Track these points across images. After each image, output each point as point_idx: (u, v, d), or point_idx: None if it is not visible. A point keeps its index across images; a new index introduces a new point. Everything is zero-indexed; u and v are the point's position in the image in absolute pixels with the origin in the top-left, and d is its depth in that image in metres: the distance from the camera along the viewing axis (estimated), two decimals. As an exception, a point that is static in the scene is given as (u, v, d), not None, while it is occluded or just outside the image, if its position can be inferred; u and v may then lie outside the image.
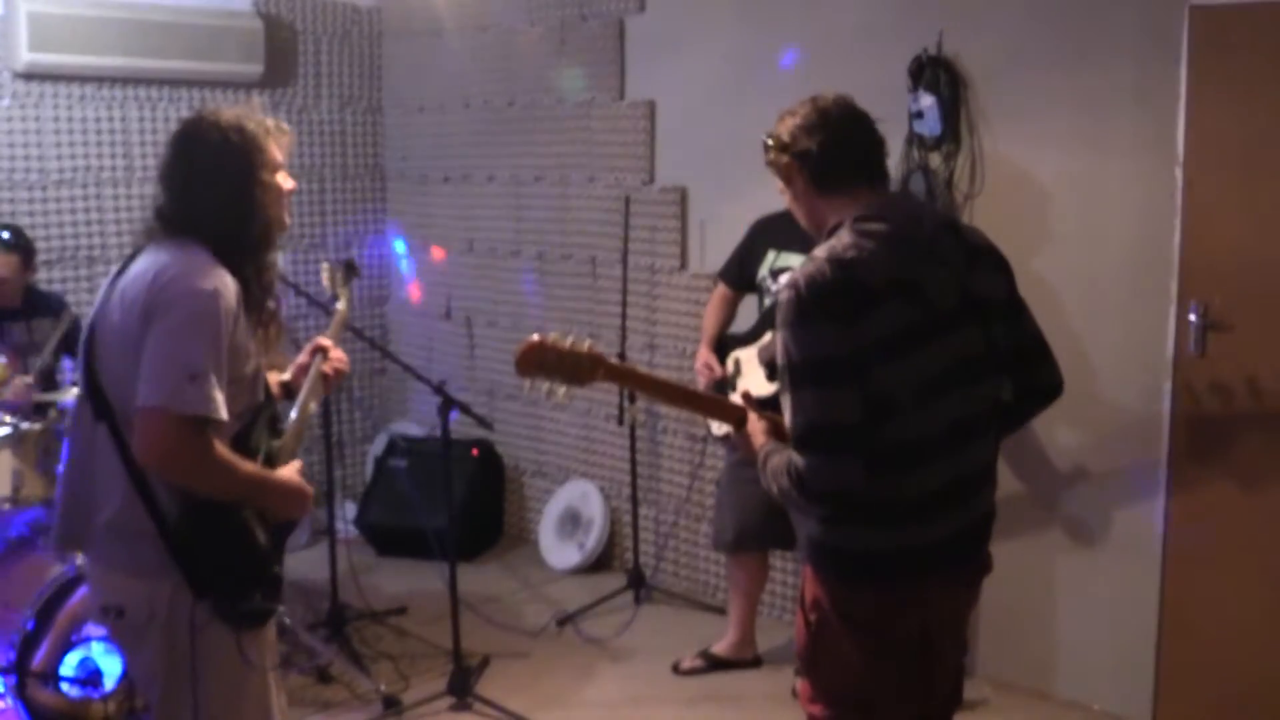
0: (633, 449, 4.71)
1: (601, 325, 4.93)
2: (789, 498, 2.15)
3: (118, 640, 2.39)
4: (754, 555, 4.05)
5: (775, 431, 2.29)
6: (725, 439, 4.02)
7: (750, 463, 3.85)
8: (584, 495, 5.11)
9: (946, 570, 2.27)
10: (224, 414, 2.16)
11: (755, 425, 2.33)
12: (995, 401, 2.29)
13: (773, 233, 3.86)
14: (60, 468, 2.40)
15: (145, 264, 2.25)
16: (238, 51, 5.17)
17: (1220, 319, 3.41)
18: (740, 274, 3.96)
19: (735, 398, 3.81)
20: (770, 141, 2.32)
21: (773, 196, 3.94)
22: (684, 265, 4.70)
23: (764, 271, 3.86)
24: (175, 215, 2.27)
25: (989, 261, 2.28)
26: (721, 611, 4.40)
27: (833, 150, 2.25)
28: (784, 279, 3.70)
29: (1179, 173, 3.44)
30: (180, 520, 2.21)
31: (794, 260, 3.77)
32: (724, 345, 3.95)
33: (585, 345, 2.32)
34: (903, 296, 2.11)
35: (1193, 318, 3.43)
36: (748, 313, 4.01)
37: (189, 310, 2.15)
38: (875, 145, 2.31)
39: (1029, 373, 2.36)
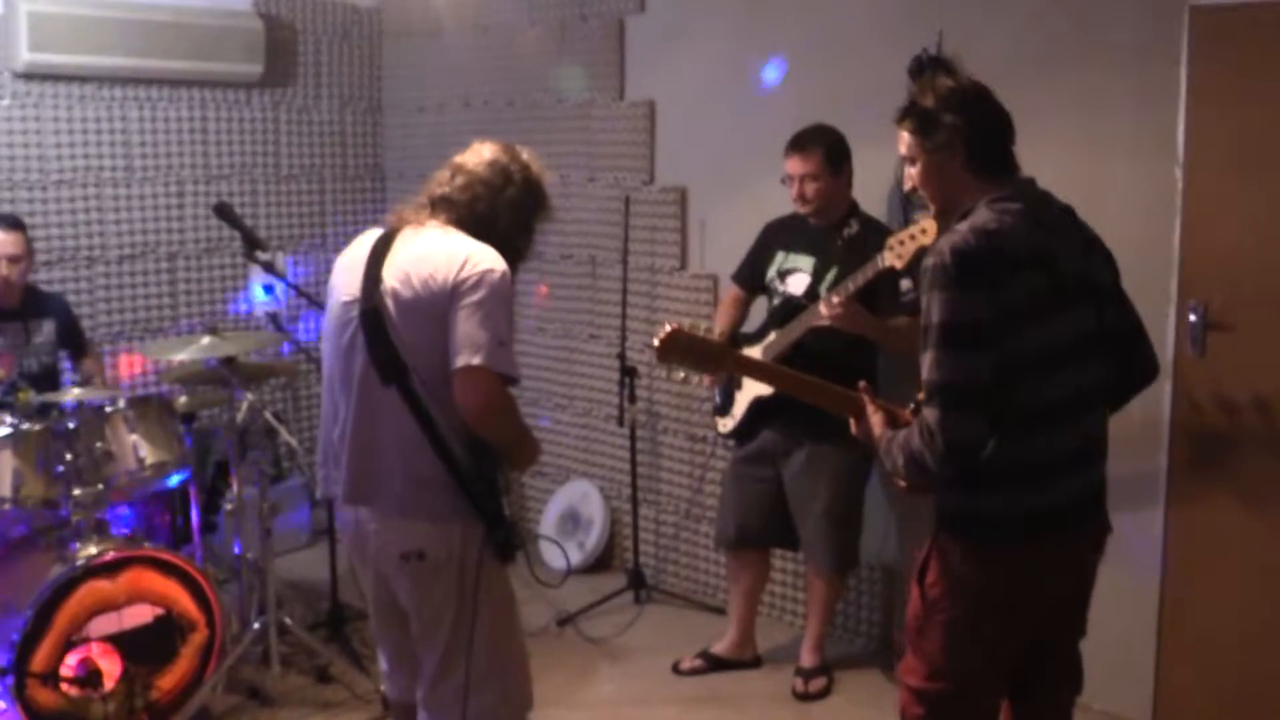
0: (633, 449, 4.71)
1: (601, 325, 4.94)
2: (918, 461, 2.21)
3: (415, 580, 2.66)
4: (755, 554, 4.05)
5: (891, 422, 2.40)
6: (729, 438, 4.02)
7: (752, 461, 3.90)
8: (584, 495, 5.11)
9: (1073, 530, 2.39)
10: (519, 374, 2.62)
11: (874, 416, 2.42)
12: (1106, 378, 2.42)
13: (782, 235, 3.88)
14: (337, 434, 2.70)
15: (434, 244, 2.60)
16: (238, 51, 5.17)
17: (1220, 319, 3.41)
18: (752, 276, 3.97)
19: (740, 395, 3.85)
20: (938, 103, 2.33)
21: (772, 197, 3.97)
22: (684, 265, 4.70)
23: (773, 272, 3.86)
24: (474, 221, 2.66)
25: (1099, 250, 2.44)
26: (722, 611, 4.40)
27: (992, 133, 2.35)
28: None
29: (1179, 173, 3.44)
30: (470, 467, 2.58)
31: (802, 261, 3.77)
32: (734, 345, 3.95)
33: (717, 333, 2.44)
34: (1039, 267, 2.23)
35: (1193, 318, 3.43)
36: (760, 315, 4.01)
37: (493, 288, 2.54)
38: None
39: (1133, 355, 2.51)
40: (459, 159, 2.75)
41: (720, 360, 2.50)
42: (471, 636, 2.63)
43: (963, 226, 2.23)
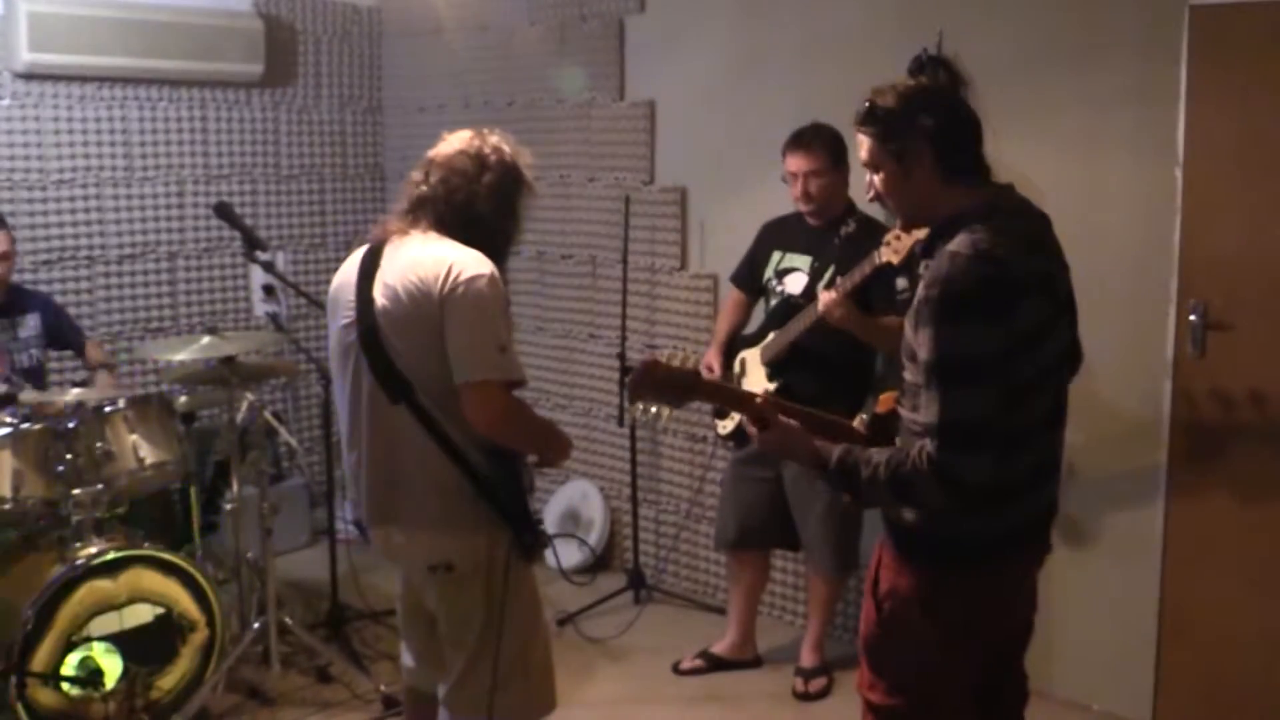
0: (633, 449, 4.71)
1: (601, 325, 4.94)
2: (909, 490, 2.10)
3: (444, 590, 2.66)
4: (755, 554, 4.05)
5: (811, 426, 2.27)
6: (728, 439, 4.02)
7: (752, 461, 3.89)
8: (584, 495, 5.11)
9: (1028, 548, 2.33)
10: (524, 375, 2.57)
11: (794, 430, 2.26)
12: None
13: (780, 234, 3.88)
14: (354, 457, 2.69)
15: (416, 255, 2.57)
16: (238, 51, 5.17)
17: (1220, 319, 3.41)
18: (751, 277, 3.97)
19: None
20: (888, 113, 2.18)
21: (772, 197, 3.97)
22: (684, 265, 4.70)
23: (770, 272, 3.86)
24: (454, 213, 2.62)
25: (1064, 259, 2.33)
26: (722, 611, 4.40)
27: (962, 134, 2.22)
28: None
29: (1179, 173, 3.43)
30: (490, 473, 2.57)
31: (799, 261, 3.77)
32: (734, 347, 3.96)
33: (691, 362, 2.32)
34: (1042, 292, 2.13)
35: (1193, 318, 3.43)
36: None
37: (483, 294, 2.50)
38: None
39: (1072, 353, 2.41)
40: (430, 153, 2.73)
41: (691, 389, 2.33)
42: (499, 641, 2.63)
43: (963, 250, 2.07)
